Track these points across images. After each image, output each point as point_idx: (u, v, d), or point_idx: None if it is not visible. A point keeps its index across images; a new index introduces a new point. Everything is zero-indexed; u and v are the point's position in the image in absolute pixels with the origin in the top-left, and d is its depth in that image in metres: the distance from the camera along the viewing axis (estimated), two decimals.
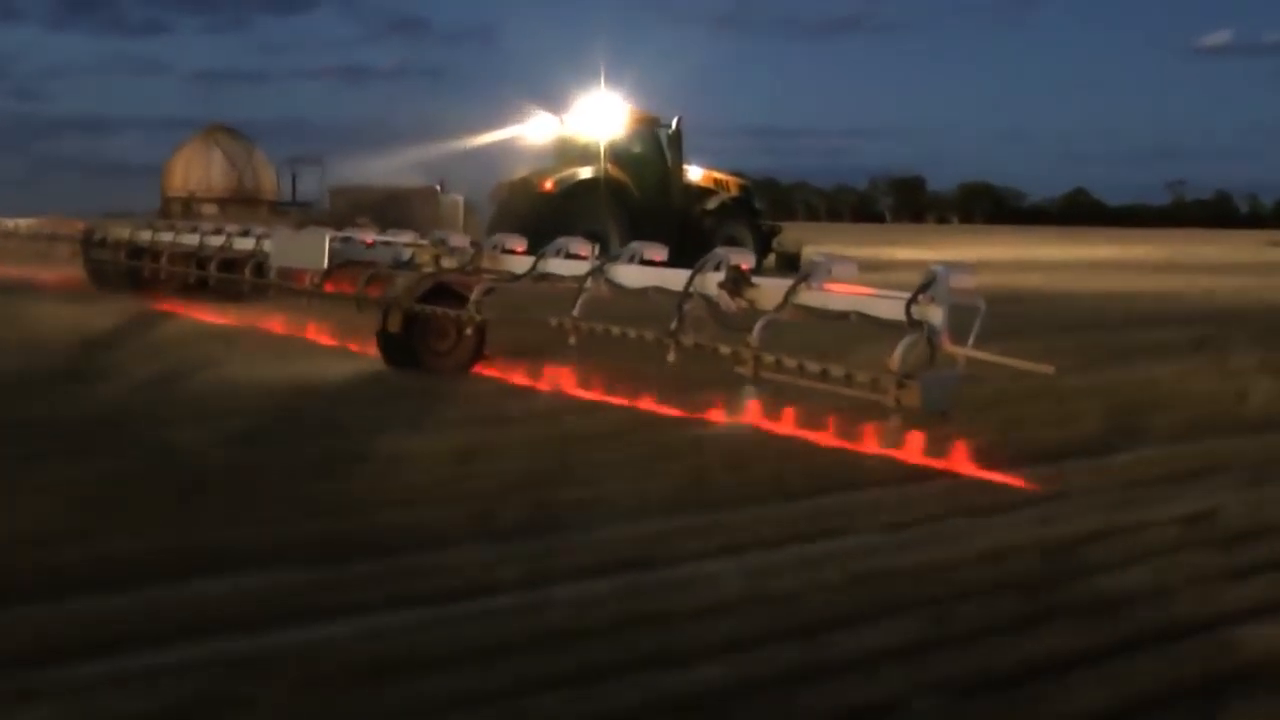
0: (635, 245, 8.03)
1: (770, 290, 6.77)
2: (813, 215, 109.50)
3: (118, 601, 3.90)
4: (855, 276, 6.62)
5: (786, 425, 7.14)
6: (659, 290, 7.53)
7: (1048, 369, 5.90)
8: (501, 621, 3.80)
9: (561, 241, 8.56)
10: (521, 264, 8.79)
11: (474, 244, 9.44)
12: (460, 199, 23.29)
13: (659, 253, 7.88)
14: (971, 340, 5.79)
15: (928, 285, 5.94)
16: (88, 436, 6.59)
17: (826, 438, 6.87)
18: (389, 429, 6.97)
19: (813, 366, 6.16)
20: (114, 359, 9.86)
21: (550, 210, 21.24)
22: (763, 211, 26.63)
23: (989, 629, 3.82)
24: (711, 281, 7.02)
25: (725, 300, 6.89)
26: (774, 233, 25.95)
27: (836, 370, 6.05)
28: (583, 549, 4.61)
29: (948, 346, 5.86)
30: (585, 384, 8.47)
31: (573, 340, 7.67)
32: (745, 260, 7.04)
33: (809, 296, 6.61)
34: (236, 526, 4.79)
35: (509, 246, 9.17)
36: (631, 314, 7.49)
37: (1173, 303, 17.76)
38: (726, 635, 3.70)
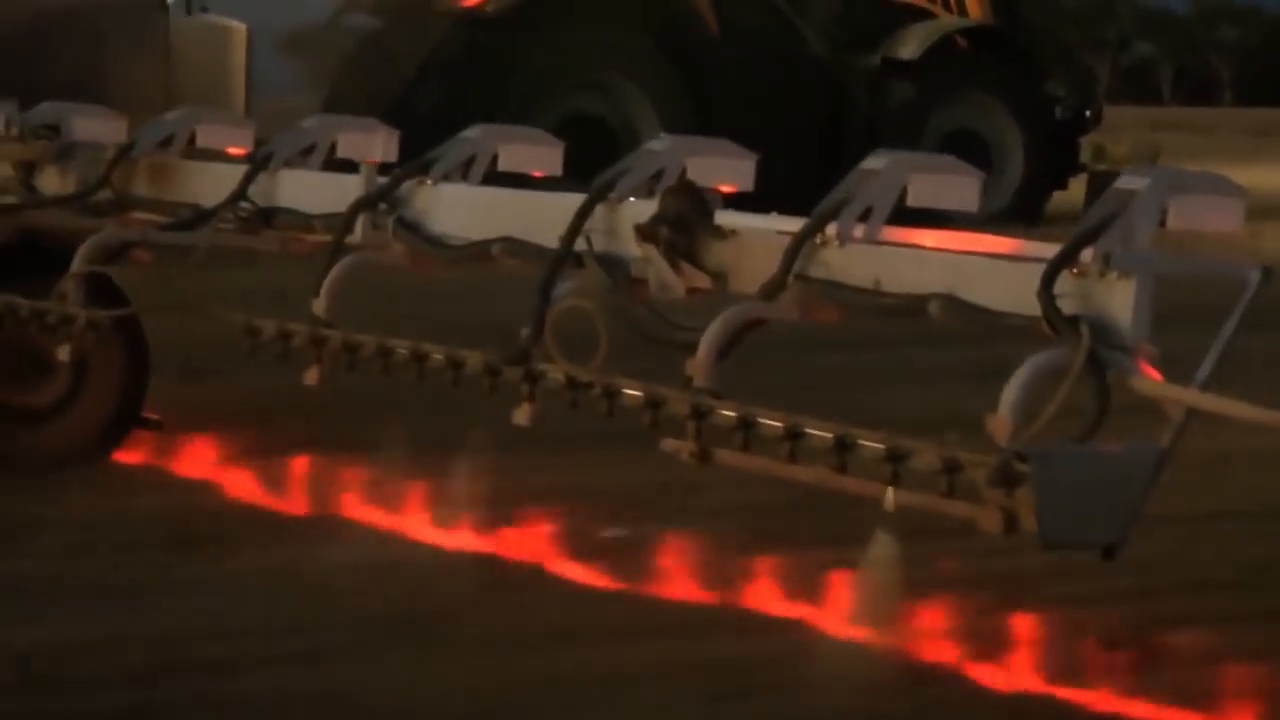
0: (479, 134, 6.56)
1: (758, 245, 5.51)
2: None
3: None
4: (972, 200, 5.25)
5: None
6: (513, 249, 6.16)
7: None
8: None
9: (318, 126, 7.03)
10: (224, 181, 7.17)
11: (124, 143, 7.66)
12: (240, 28, 18.33)
13: (541, 158, 6.41)
14: (1208, 367, 4.44)
15: (1101, 227, 4.65)
16: None
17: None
18: None
19: (821, 431, 4.89)
20: None
21: (486, 56, 16.40)
22: (1049, 71, 19.32)
23: None
24: (627, 223, 5.77)
25: (661, 270, 5.63)
26: (1083, 125, 18.59)
27: (868, 439, 4.79)
28: None
29: (1145, 381, 4.59)
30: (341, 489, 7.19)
31: (314, 374, 6.36)
32: (727, 175, 5.75)
33: (838, 257, 5.27)
34: None
35: (209, 143, 7.54)
36: (464, 311, 6.81)
37: None
38: None
